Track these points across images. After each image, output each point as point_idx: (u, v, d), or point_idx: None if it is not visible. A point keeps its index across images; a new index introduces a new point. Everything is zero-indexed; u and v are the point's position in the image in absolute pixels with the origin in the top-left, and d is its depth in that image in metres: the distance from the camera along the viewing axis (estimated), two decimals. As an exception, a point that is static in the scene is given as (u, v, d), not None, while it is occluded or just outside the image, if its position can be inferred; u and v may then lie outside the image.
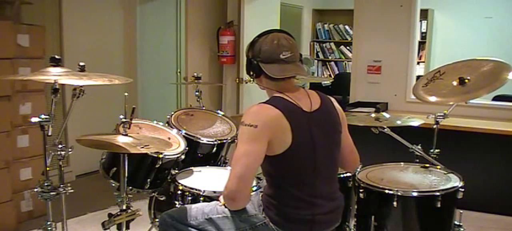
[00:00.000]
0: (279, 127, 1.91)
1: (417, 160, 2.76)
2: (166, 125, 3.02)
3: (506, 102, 4.61)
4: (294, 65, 2.02)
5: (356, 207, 2.64)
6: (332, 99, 2.14)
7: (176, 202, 2.46)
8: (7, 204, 3.53)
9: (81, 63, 2.28)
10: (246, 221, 2.01)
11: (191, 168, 2.79)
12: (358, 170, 2.66)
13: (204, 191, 2.41)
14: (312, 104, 2.02)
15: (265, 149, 1.89)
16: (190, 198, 2.43)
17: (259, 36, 2.06)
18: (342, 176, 2.59)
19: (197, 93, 3.51)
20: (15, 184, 3.62)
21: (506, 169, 3.97)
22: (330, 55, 8.27)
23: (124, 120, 2.34)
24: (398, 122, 2.78)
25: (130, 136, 2.35)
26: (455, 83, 2.69)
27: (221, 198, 2.10)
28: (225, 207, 2.06)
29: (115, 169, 2.58)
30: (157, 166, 2.62)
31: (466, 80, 2.64)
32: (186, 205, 2.27)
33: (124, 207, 2.43)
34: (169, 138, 2.83)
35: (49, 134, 2.13)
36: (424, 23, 6.75)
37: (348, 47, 7.97)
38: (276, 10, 5.30)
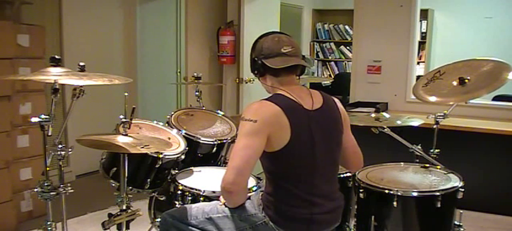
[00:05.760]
0: (278, 123, 1.92)
1: (417, 160, 2.76)
2: (166, 125, 3.02)
3: (506, 102, 4.60)
4: (297, 58, 2.06)
5: (356, 207, 2.64)
6: (336, 99, 2.15)
7: (176, 202, 2.46)
8: (7, 204, 3.52)
9: (81, 63, 2.28)
10: (246, 220, 2.01)
11: (191, 168, 2.79)
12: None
13: (204, 191, 2.41)
14: (314, 103, 2.03)
15: (264, 144, 1.90)
16: (190, 198, 2.43)
17: (260, 37, 2.11)
18: (342, 176, 2.59)
19: (197, 93, 3.51)
20: (15, 184, 3.61)
21: (506, 169, 3.97)
22: (330, 55, 8.26)
23: (124, 120, 2.35)
24: (398, 122, 2.78)
25: (130, 136, 2.35)
26: (455, 83, 2.68)
27: (221, 197, 2.11)
28: (225, 206, 2.06)
29: (115, 169, 2.58)
30: (157, 166, 2.62)
31: (466, 80, 2.64)
32: (186, 205, 2.27)
33: (124, 207, 2.43)
34: (169, 138, 2.83)
35: (49, 134, 2.13)
36: (424, 23, 6.74)
37: (348, 47, 7.96)
38: (276, 10, 5.30)
